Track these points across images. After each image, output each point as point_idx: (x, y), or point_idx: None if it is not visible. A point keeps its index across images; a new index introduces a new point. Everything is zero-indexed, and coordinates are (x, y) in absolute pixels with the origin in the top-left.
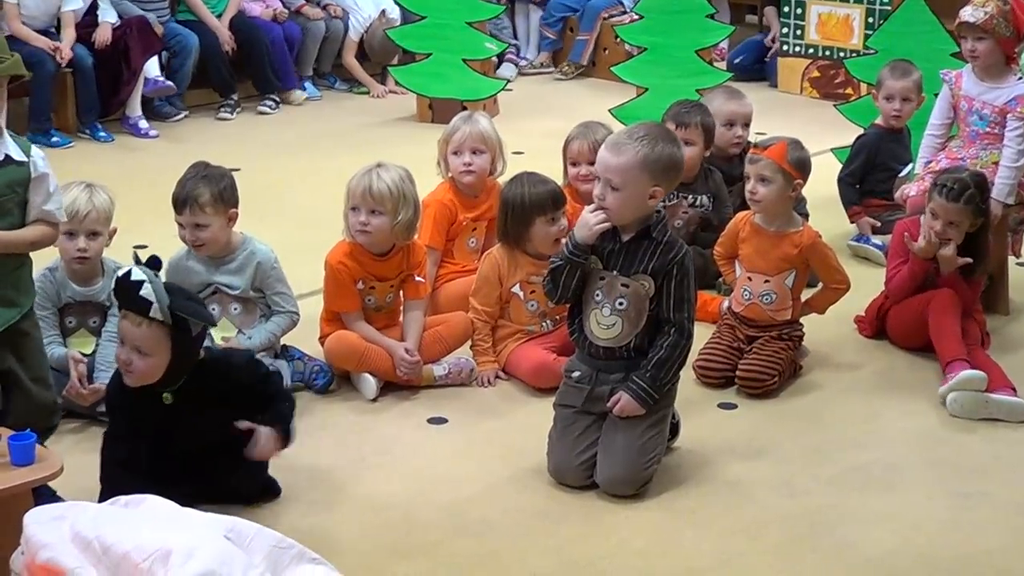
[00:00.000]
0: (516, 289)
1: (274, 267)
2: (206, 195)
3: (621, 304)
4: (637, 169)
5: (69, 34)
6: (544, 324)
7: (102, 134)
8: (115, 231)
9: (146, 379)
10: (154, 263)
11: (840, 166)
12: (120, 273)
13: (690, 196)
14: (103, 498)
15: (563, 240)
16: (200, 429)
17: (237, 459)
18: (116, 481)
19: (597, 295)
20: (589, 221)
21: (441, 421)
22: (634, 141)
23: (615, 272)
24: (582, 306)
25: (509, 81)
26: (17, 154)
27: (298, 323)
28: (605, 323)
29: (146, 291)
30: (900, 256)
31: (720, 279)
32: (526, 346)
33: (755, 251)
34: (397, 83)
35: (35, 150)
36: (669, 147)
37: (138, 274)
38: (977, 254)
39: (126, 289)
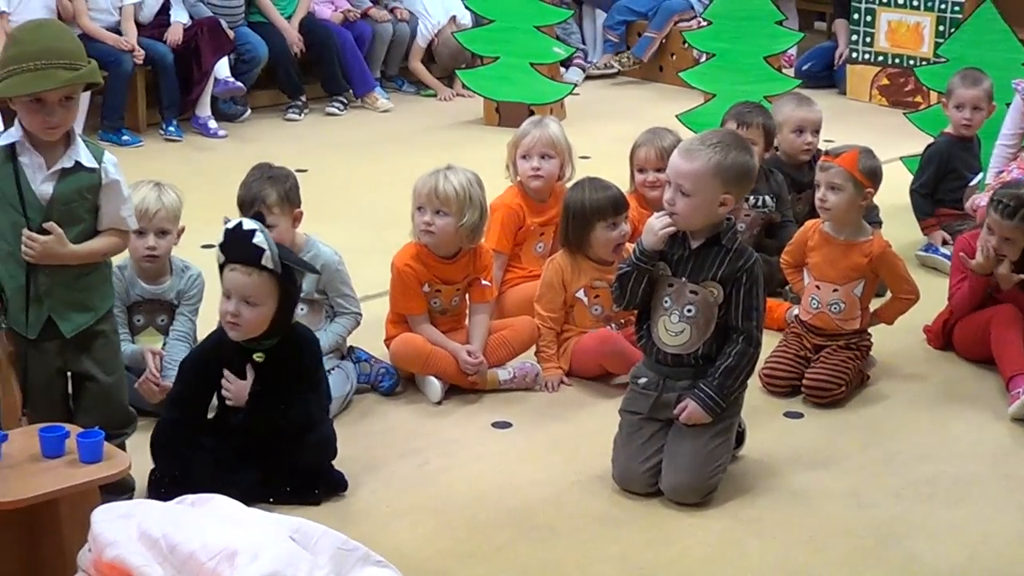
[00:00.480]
0: (580, 294)
1: (338, 269)
2: (272, 195)
3: (690, 311)
4: (709, 175)
5: (130, 28)
6: (608, 328)
7: (173, 130)
8: (183, 230)
9: (252, 331)
10: (259, 217)
11: (909, 175)
12: (230, 225)
13: (751, 197)
14: (156, 466)
15: (624, 245)
16: (273, 403)
17: (302, 445)
18: (165, 441)
19: (666, 301)
20: (655, 226)
21: (505, 425)
22: (707, 147)
23: (684, 279)
24: (650, 312)
25: (576, 85)
26: (88, 160)
27: (361, 324)
28: (673, 330)
29: (258, 239)
30: (962, 271)
31: (787, 287)
32: (588, 334)
33: (824, 260)
34: (464, 86)
35: (108, 156)
36: (742, 155)
37: (249, 224)
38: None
39: (238, 238)
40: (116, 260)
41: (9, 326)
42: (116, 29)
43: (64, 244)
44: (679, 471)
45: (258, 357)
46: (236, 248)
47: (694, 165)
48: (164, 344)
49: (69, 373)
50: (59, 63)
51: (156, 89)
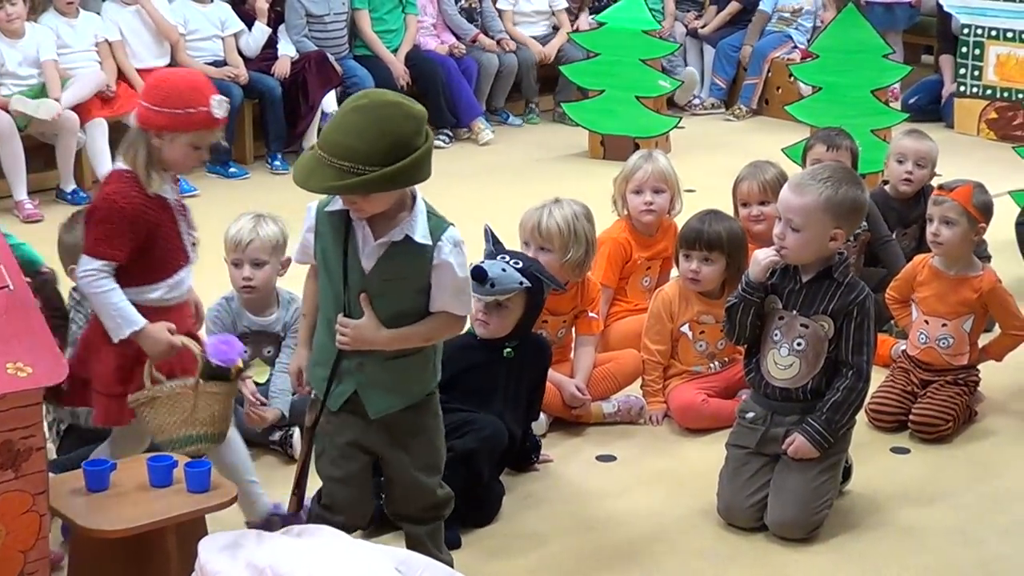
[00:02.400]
0: (685, 328)
1: None
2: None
3: (799, 344)
4: (820, 211)
5: (235, 59)
6: (712, 365)
7: (278, 163)
8: (288, 261)
9: (500, 332)
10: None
11: (1018, 209)
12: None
13: None
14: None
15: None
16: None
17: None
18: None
19: (775, 335)
20: (759, 257)
21: (610, 459)
22: (818, 182)
23: (795, 312)
24: (760, 345)
25: (681, 119)
26: (422, 236)
27: None
28: (782, 363)
29: (491, 273)
30: None
31: (892, 322)
32: (684, 385)
33: (934, 294)
34: (568, 118)
35: (450, 233)
36: (853, 189)
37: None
38: None
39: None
40: (224, 291)
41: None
42: (221, 63)
43: (377, 329)
44: (785, 506)
45: (508, 353)
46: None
47: (805, 200)
48: (270, 375)
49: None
50: (337, 163)
51: (263, 122)
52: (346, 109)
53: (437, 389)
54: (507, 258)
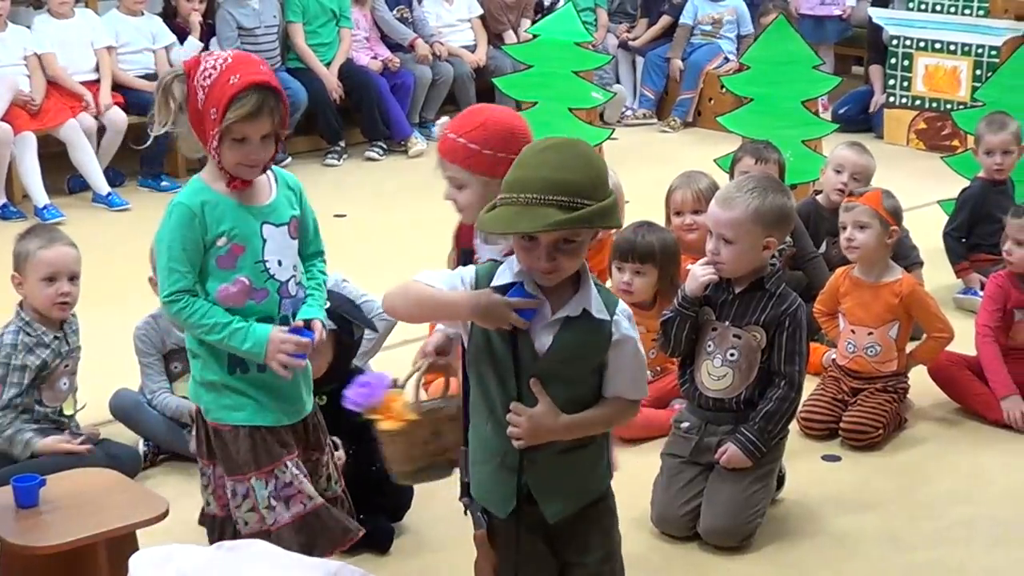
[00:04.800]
0: None
1: (342, 288)
2: None
3: (732, 355)
4: (750, 221)
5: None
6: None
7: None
8: None
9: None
10: None
11: (946, 218)
12: None
13: None
14: None
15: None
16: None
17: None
18: None
19: (709, 346)
20: (696, 273)
21: None
22: (744, 194)
23: (727, 323)
24: (694, 357)
25: (613, 130)
26: (599, 310)
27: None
28: (716, 374)
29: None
30: (994, 303)
31: (821, 331)
32: None
33: (857, 304)
34: None
35: (622, 308)
36: (780, 197)
37: None
38: None
39: None
40: (150, 308)
41: (480, 506)
42: (153, 76)
43: (556, 417)
44: (717, 515)
45: (319, 400)
46: None
47: (734, 213)
48: None
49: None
50: (554, 199)
51: None
52: (536, 150)
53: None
54: None
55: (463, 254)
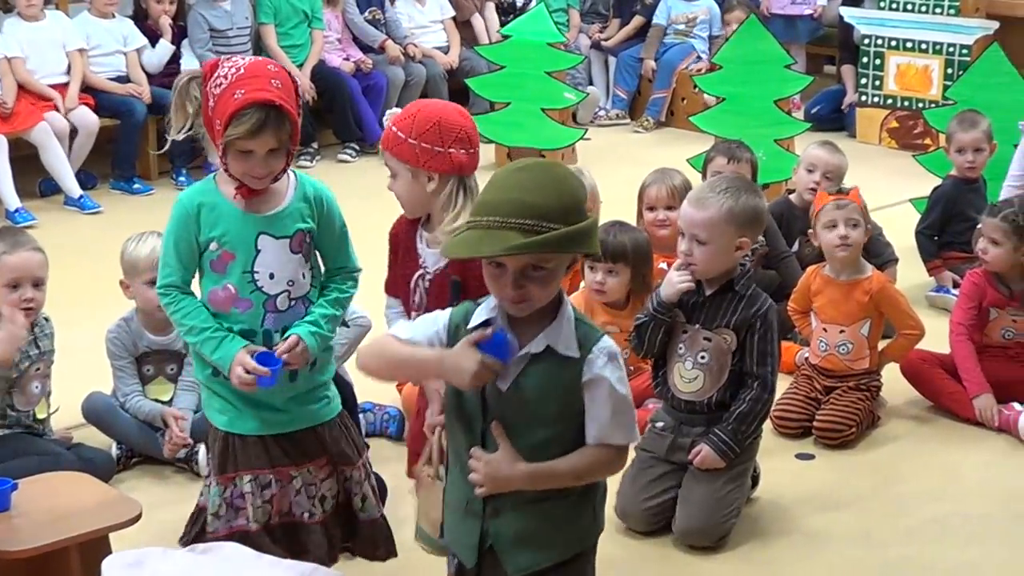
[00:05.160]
0: None
1: None
2: None
3: (703, 357)
4: (723, 222)
5: (139, 75)
6: None
7: (183, 179)
8: None
9: None
10: None
11: (919, 216)
12: None
13: None
14: None
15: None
16: None
17: None
18: None
19: (680, 348)
20: (673, 280)
21: None
22: (717, 194)
23: (698, 326)
24: (666, 359)
25: (586, 130)
26: (567, 347)
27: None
28: (687, 376)
29: None
30: (970, 301)
31: (795, 330)
32: None
33: (828, 302)
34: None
35: (604, 343)
36: (753, 198)
37: None
38: None
39: None
40: (122, 311)
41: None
42: (125, 79)
43: (512, 463)
44: (692, 515)
45: None
46: None
47: (708, 213)
48: (174, 393)
49: None
50: (517, 223)
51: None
52: (508, 171)
53: (596, 543)
54: None
55: (453, 286)
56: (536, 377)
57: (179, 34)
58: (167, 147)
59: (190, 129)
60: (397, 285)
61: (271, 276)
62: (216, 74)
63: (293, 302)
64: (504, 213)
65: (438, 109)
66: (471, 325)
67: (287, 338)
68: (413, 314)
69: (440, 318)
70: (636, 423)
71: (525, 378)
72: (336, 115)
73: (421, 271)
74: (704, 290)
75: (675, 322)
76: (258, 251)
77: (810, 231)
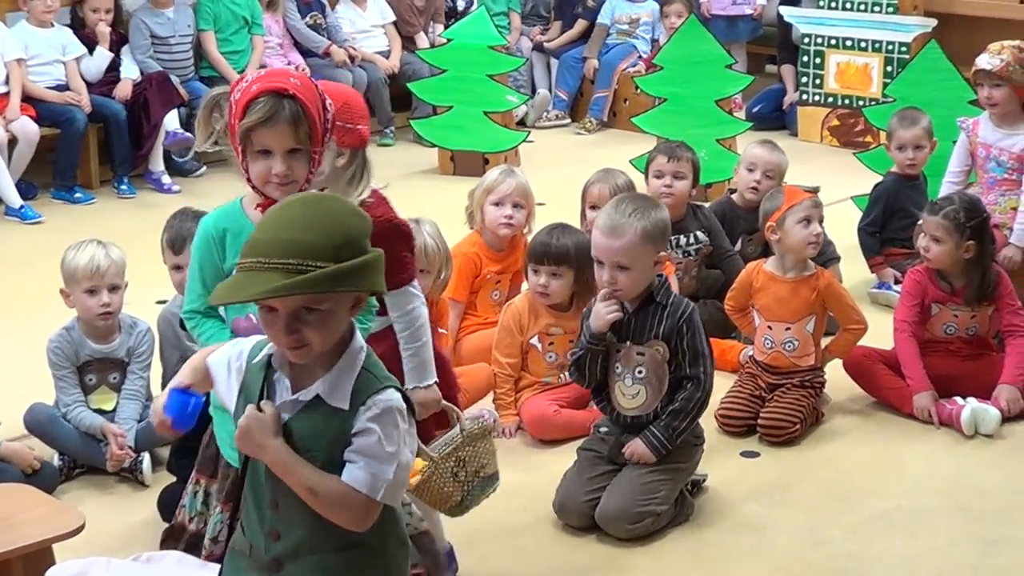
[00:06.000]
0: (535, 341)
1: None
2: None
3: (640, 372)
4: (641, 244)
5: (78, 83)
6: (562, 376)
7: (125, 188)
8: (127, 285)
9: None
10: None
11: (860, 214)
12: None
13: (683, 238)
14: None
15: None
16: None
17: None
18: None
19: (617, 368)
20: (601, 312)
21: None
22: (628, 218)
23: (629, 343)
24: (606, 380)
25: (529, 133)
26: (338, 398)
27: None
28: (629, 393)
29: None
30: (912, 298)
31: (736, 331)
32: (535, 397)
33: (774, 300)
34: (418, 136)
35: (381, 398)
36: (658, 211)
37: None
38: (971, 282)
39: None
40: (64, 321)
41: None
42: (64, 88)
43: (268, 432)
44: (611, 498)
45: None
46: None
47: (625, 239)
48: (117, 402)
49: None
50: (280, 263)
51: (108, 146)
52: (278, 208)
53: None
54: None
55: None
56: (304, 425)
57: (118, 41)
58: (187, 157)
59: (216, 144)
60: None
61: None
62: (240, 82)
63: None
64: (268, 254)
65: (340, 89)
66: (255, 360)
67: None
68: None
69: (245, 347)
70: (397, 489)
71: (295, 424)
72: None
73: None
74: (627, 307)
75: (609, 346)
76: None
77: (768, 224)
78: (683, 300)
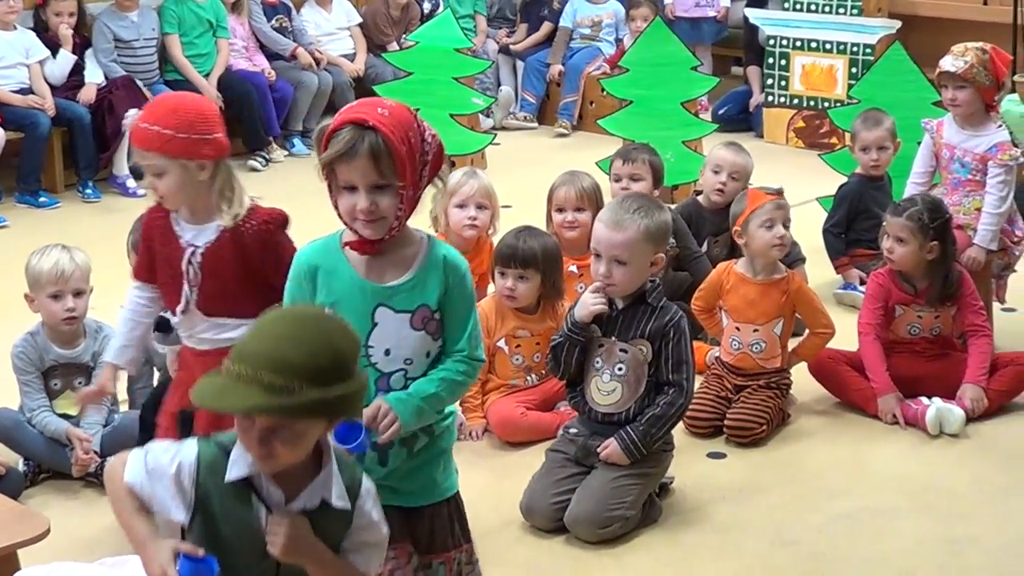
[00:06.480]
0: (501, 343)
1: None
2: None
3: (620, 369)
4: (642, 241)
5: (42, 87)
6: (529, 378)
7: (89, 191)
8: (92, 290)
9: None
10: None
11: (825, 215)
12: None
13: None
14: None
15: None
16: None
17: None
18: None
19: (597, 362)
20: (588, 302)
21: None
22: (632, 214)
23: (614, 338)
24: (583, 374)
25: (495, 135)
26: (339, 497)
27: None
28: (605, 389)
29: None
30: (876, 301)
31: (702, 332)
32: (502, 400)
33: (743, 301)
34: None
35: (366, 486)
36: (662, 213)
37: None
38: (934, 283)
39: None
40: (29, 326)
41: None
42: (28, 91)
43: (310, 534)
44: (580, 502)
45: None
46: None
47: (627, 234)
48: (82, 407)
49: None
50: (265, 379)
51: (72, 150)
52: (270, 317)
53: None
54: None
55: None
56: (315, 527)
57: (81, 45)
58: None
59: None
60: (151, 271)
61: (387, 352)
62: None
63: (409, 382)
64: (255, 364)
65: (192, 99)
66: (229, 477)
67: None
68: (188, 288)
69: (183, 463)
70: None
71: None
72: (245, 124)
73: (190, 249)
74: (617, 304)
75: (590, 336)
76: (375, 324)
77: (734, 228)
78: (673, 306)
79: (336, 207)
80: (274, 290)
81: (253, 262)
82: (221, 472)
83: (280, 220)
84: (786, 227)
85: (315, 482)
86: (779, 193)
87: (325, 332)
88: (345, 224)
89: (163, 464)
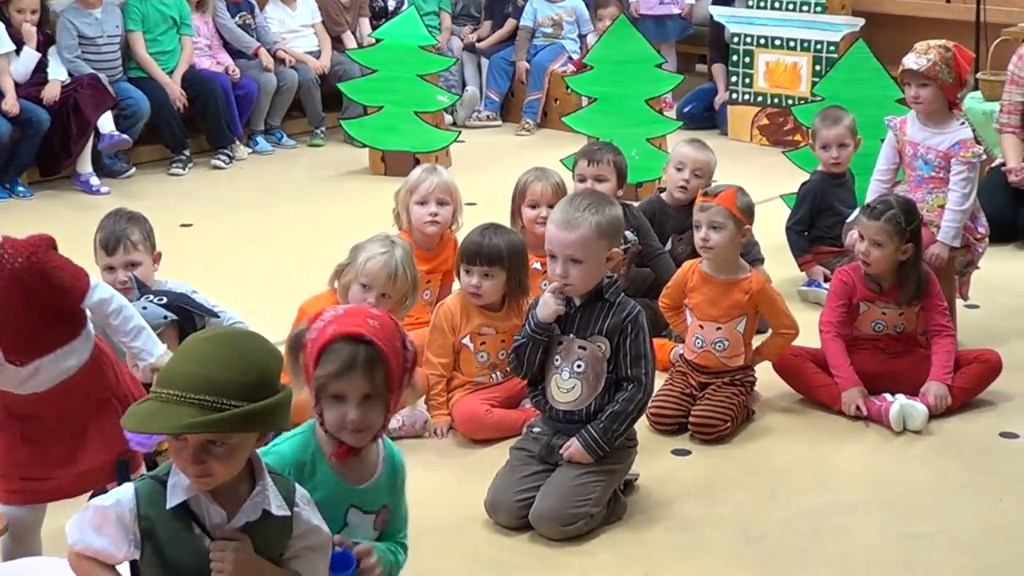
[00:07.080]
0: (466, 340)
1: (193, 296)
2: (136, 233)
3: (579, 366)
4: (595, 238)
5: (6, 82)
6: (494, 376)
7: (21, 189)
8: None
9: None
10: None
11: (788, 212)
12: None
13: None
14: None
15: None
16: None
17: None
18: None
19: (556, 359)
20: (550, 303)
21: None
22: (583, 212)
23: (572, 335)
24: (543, 373)
25: (460, 133)
26: (278, 506)
27: None
28: (564, 386)
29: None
30: (839, 299)
31: (667, 328)
32: (467, 397)
33: (706, 300)
34: (349, 137)
35: (300, 493)
36: (612, 207)
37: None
38: (905, 284)
39: None
40: None
41: None
42: None
43: (253, 555)
44: (544, 498)
45: None
46: None
47: (580, 232)
48: None
49: None
50: (195, 398)
51: (17, 146)
52: (197, 339)
53: None
54: (151, 297)
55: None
56: (258, 539)
57: (44, 42)
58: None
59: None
60: None
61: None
62: (317, 319)
63: None
64: (182, 387)
65: None
66: (170, 505)
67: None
68: None
69: (122, 502)
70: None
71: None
72: (208, 122)
73: None
74: (575, 301)
75: (552, 337)
76: (346, 524)
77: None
78: (631, 301)
79: (320, 416)
80: (70, 312)
81: (37, 296)
82: (161, 502)
83: (46, 244)
84: (715, 229)
85: (253, 495)
86: (715, 195)
87: (251, 350)
88: (327, 433)
89: (102, 512)
